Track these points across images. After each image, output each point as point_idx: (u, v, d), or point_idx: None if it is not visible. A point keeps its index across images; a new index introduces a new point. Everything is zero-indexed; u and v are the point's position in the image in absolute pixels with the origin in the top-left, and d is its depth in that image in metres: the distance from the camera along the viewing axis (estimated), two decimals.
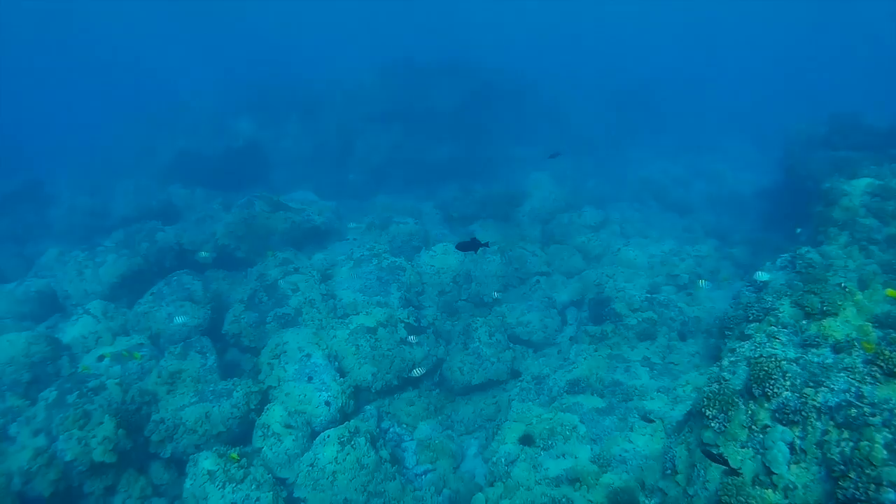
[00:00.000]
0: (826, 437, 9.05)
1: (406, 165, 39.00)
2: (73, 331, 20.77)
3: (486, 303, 22.83)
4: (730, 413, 10.08)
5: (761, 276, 15.85)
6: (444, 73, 42.85)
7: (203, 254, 24.83)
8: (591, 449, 13.82)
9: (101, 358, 19.34)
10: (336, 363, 18.41)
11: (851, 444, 8.69)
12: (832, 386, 9.65)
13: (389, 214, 29.21)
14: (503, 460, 14.22)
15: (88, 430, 15.70)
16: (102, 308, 21.60)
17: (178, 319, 20.35)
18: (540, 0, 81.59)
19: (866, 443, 8.38)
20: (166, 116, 43.87)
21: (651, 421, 14.20)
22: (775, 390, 9.83)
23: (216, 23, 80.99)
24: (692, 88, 54.45)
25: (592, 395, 15.87)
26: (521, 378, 18.70)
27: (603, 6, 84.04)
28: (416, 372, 18.45)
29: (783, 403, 9.68)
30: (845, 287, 12.26)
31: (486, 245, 17.06)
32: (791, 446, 9.28)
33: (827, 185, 19.65)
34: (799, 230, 21.27)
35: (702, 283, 20.37)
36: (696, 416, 10.89)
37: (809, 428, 9.31)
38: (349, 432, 15.44)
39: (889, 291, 12.28)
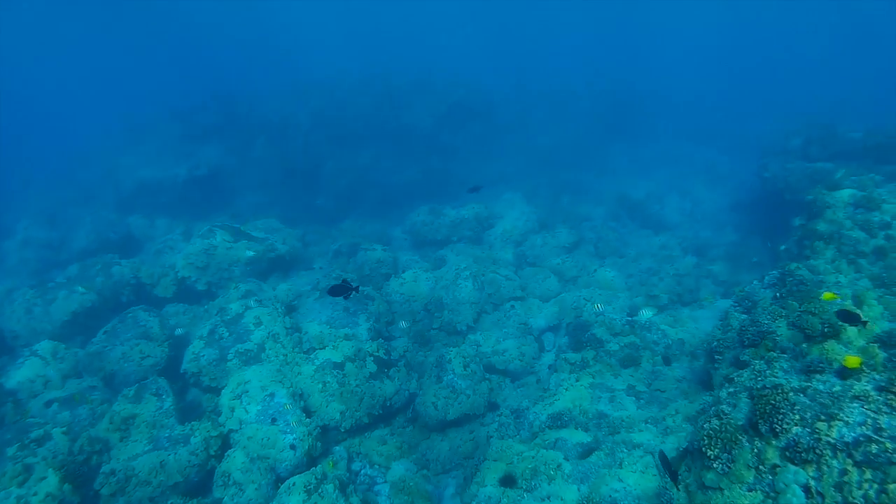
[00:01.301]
0: (845, 479, 8.10)
1: (375, 188, 37.94)
2: (19, 374, 19.35)
3: (460, 331, 21.76)
4: (734, 452, 9.10)
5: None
6: (413, 92, 42.02)
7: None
8: (579, 489, 12.77)
9: (48, 403, 17.99)
10: (302, 402, 17.22)
11: (876, 485, 7.76)
12: (846, 418, 8.71)
13: (357, 241, 28.12)
14: None
15: (29, 486, 14.35)
16: (52, 349, 20.22)
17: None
18: (510, 14, 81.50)
19: (894, 485, 7.45)
20: (126, 142, 42.50)
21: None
22: (784, 426, 8.88)
23: (178, 42, 79.71)
24: (666, 100, 54.10)
25: (576, 428, 14.83)
26: (499, 412, 17.60)
27: (572, 20, 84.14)
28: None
29: (794, 440, 8.72)
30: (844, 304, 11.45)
31: (357, 289, 15.37)
32: (806, 489, 8.31)
33: (810, 197, 18.99)
34: (782, 247, 20.57)
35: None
36: (695, 455, 9.89)
37: (825, 468, 8.35)
38: (316, 479, 14.24)
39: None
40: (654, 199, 35.61)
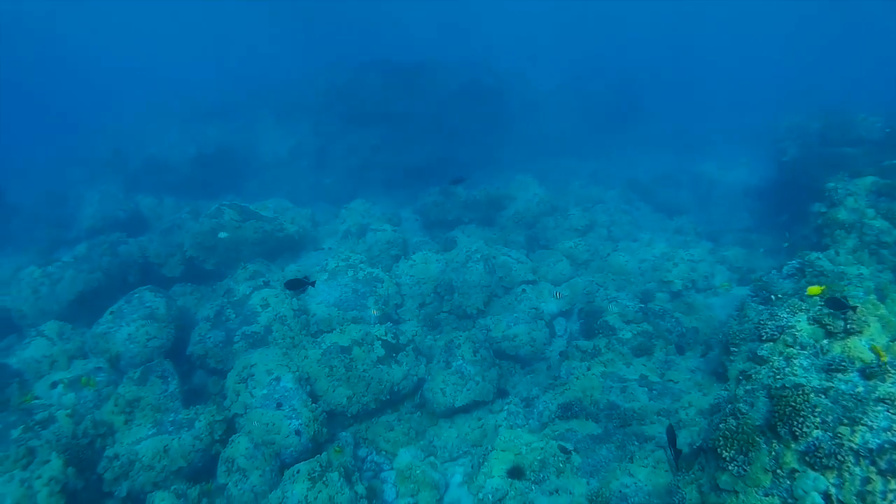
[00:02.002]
0: (869, 488, 7.76)
1: (385, 168, 37.58)
2: (25, 354, 19.19)
3: (470, 315, 21.44)
4: (750, 454, 8.77)
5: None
6: (424, 72, 41.46)
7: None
8: (588, 483, 12.49)
9: (54, 385, 17.81)
10: (308, 386, 16.98)
11: None
12: (871, 423, 8.35)
13: (367, 221, 27.79)
14: (490, 497, 12.86)
15: (32, 470, 14.19)
16: (58, 329, 20.05)
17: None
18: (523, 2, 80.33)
19: None
20: (136, 121, 42.26)
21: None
22: (804, 429, 8.53)
23: (188, 23, 79.10)
24: (681, 84, 53.36)
25: (587, 419, 14.54)
26: (508, 399, 17.31)
27: (588, 1, 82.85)
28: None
29: (814, 444, 8.37)
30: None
31: (313, 284, 16.29)
32: (826, 496, 7.98)
33: (831, 184, 18.46)
34: (798, 235, 20.14)
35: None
36: (709, 454, 9.56)
37: (847, 475, 8.01)
38: (321, 466, 14.01)
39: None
40: (668, 183, 35.13)
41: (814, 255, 14.26)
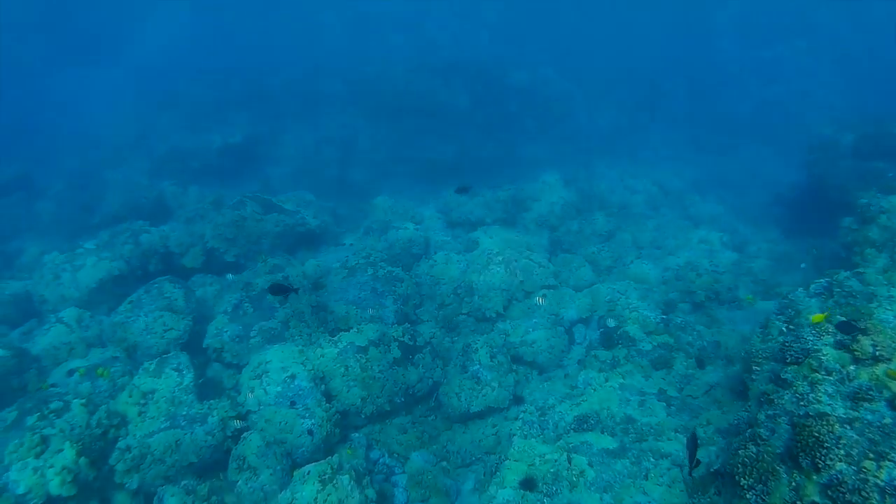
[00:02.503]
0: None
1: (410, 164, 37.36)
2: (44, 340, 19.32)
3: (489, 318, 21.24)
4: (770, 484, 8.51)
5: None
6: (452, 69, 41.24)
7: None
8: (601, 499, 12.27)
9: (70, 373, 17.89)
10: (322, 385, 16.89)
11: None
12: None
13: (389, 218, 27.66)
14: None
15: (45, 458, 14.24)
16: (77, 316, 20.16)
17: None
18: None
19: None
20: (161, 107, 42.46)
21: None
22: (827, 461, 8.26)
23: (212, 9, 79.25)
24: (713, 84, 52.65)
25: (603, 433, 14.30)
26: (523, 407, 17.08)
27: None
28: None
29: (837, 478, 8.10)
30: None
31: (296, 291, 17.34)
32: None
33: (864, 200, 18.02)
34: (825, 250, 19.73)
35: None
36: (726, 479, 9.32)
37: None
38: (331, 469, 13.90)
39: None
40: (695, 189, 34.65)
41: (843, 274, 13.90)
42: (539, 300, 20.45)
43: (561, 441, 14.21)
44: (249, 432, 15.43)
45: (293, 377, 16.69)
